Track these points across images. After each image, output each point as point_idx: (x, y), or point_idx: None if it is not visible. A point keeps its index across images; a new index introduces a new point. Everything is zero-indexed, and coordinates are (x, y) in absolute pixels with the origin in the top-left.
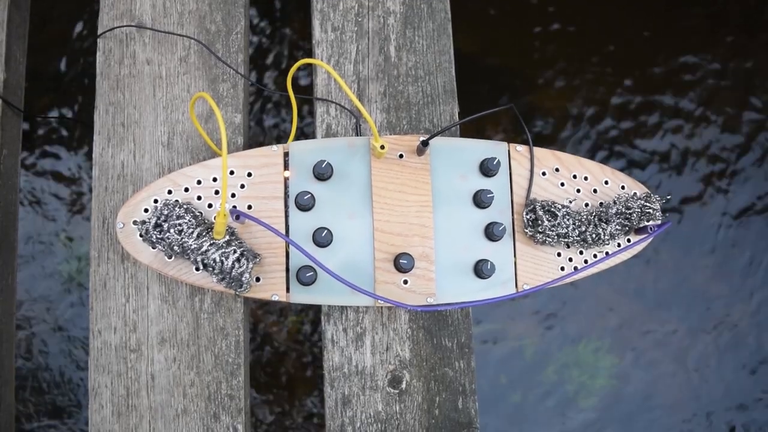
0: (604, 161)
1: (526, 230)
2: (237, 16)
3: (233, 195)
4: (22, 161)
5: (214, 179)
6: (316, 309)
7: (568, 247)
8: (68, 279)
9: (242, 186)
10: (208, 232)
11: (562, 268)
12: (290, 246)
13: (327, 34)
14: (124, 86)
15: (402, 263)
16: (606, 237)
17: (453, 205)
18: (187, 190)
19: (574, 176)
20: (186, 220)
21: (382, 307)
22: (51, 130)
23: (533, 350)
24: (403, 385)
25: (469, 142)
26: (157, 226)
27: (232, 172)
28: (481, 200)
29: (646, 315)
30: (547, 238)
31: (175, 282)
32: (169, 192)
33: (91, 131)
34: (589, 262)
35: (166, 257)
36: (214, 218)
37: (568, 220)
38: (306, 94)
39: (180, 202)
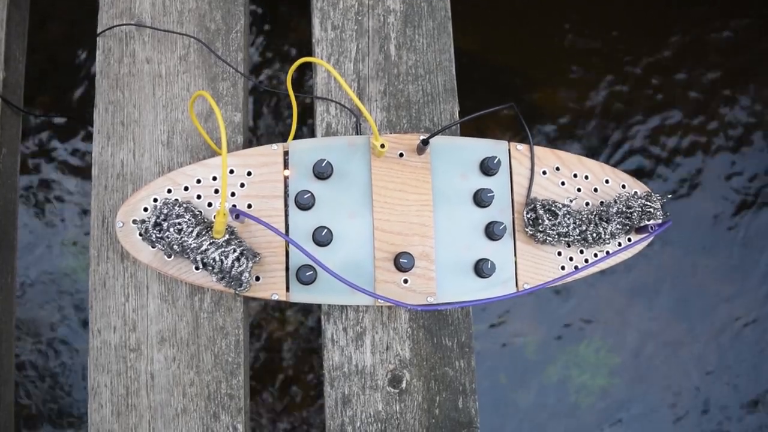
0: (605, 160)
1: (527, 229)
2: (237, 14)
3: (233, 194)
4: (22, 160)
5: (214, 178)
6: (316, 308)
7: (569, 246)
8: (66, 275)
9: (242, 185)
10: (207, 231)
11: (563, 268)
12: (290, 245)
13: (327, 32)
14: (124, 85)
15: (402, 262)
16: (606, 236)
17: (453, 204)
18: (186, 189)
19: (575, 175)
20: (185, 219)
21: (382, 306)
22: (50, 129)
23: (534, 348)
24: (403, 385)
25: (470, 141)
26: (156, 225)
27: (231, 171)
28: (481, 199)
29: (646, 314)
30: (548, 237)
31: (175, 281)
32: (169, 191)
33: (90, 130)
34: (590, 261)
35: (165, 256)
36: (214, 217)
37: (568, 219)
38: (306, 93)
39: (180, 201)
